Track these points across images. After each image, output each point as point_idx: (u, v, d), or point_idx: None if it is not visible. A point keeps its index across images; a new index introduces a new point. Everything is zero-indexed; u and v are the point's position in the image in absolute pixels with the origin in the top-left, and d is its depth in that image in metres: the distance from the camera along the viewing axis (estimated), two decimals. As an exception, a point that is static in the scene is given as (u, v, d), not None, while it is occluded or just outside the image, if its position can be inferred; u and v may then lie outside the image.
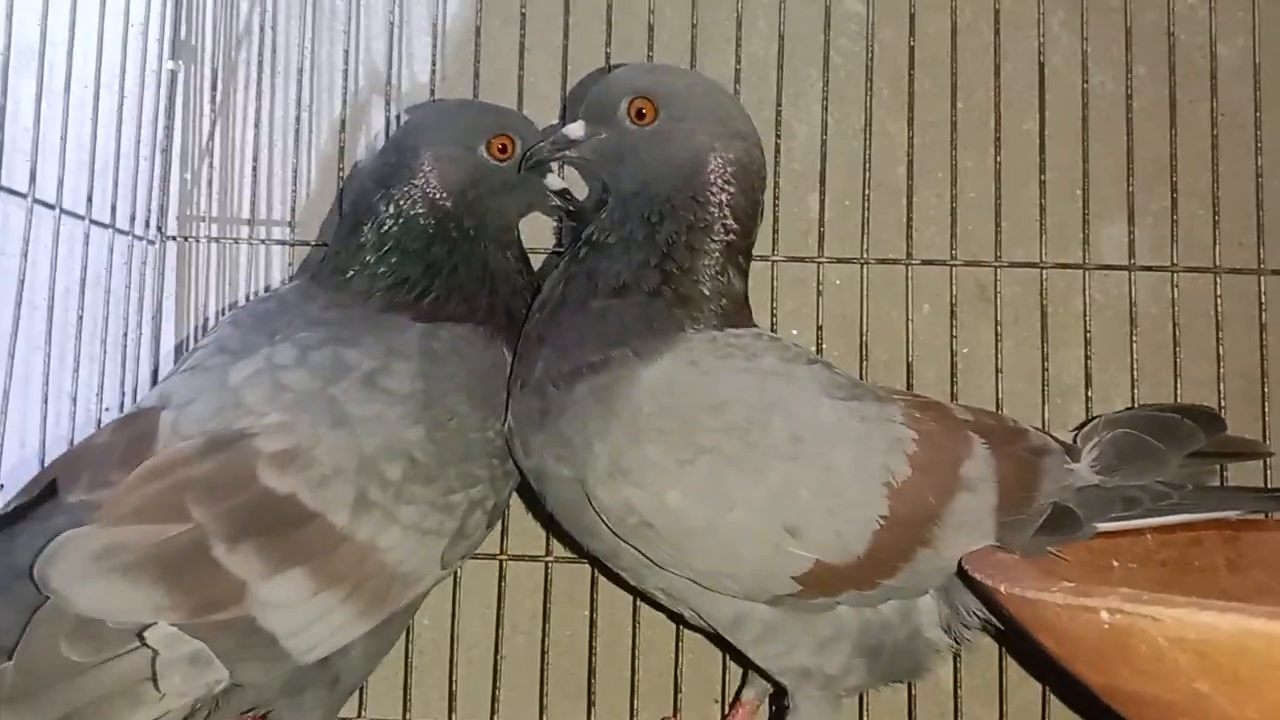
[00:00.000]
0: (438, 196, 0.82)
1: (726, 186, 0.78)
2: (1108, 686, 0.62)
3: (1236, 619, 0.50)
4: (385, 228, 0.81)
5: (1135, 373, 0.97)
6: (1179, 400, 0.96)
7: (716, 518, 0.71)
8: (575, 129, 0.79)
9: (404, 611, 0.77)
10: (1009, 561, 0.73)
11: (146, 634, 0.60)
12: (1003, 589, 0.64)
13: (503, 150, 0.83)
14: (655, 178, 0.78)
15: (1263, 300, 0.97)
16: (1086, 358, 0.97)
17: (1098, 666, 0.60)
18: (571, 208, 0.86)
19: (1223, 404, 0.96)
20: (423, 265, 0.81)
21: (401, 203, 0.81)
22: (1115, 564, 0.84)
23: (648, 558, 0.75)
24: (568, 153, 0.80)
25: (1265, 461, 0.95)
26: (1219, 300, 0.97)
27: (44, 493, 0.69)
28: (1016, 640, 0.84)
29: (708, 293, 0.77)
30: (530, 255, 0.89)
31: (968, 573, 0.71)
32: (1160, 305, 0.99)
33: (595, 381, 0.73)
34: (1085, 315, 0.98)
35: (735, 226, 0.78)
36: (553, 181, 0.83)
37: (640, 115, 0.78)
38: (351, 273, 0.81)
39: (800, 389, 0.75)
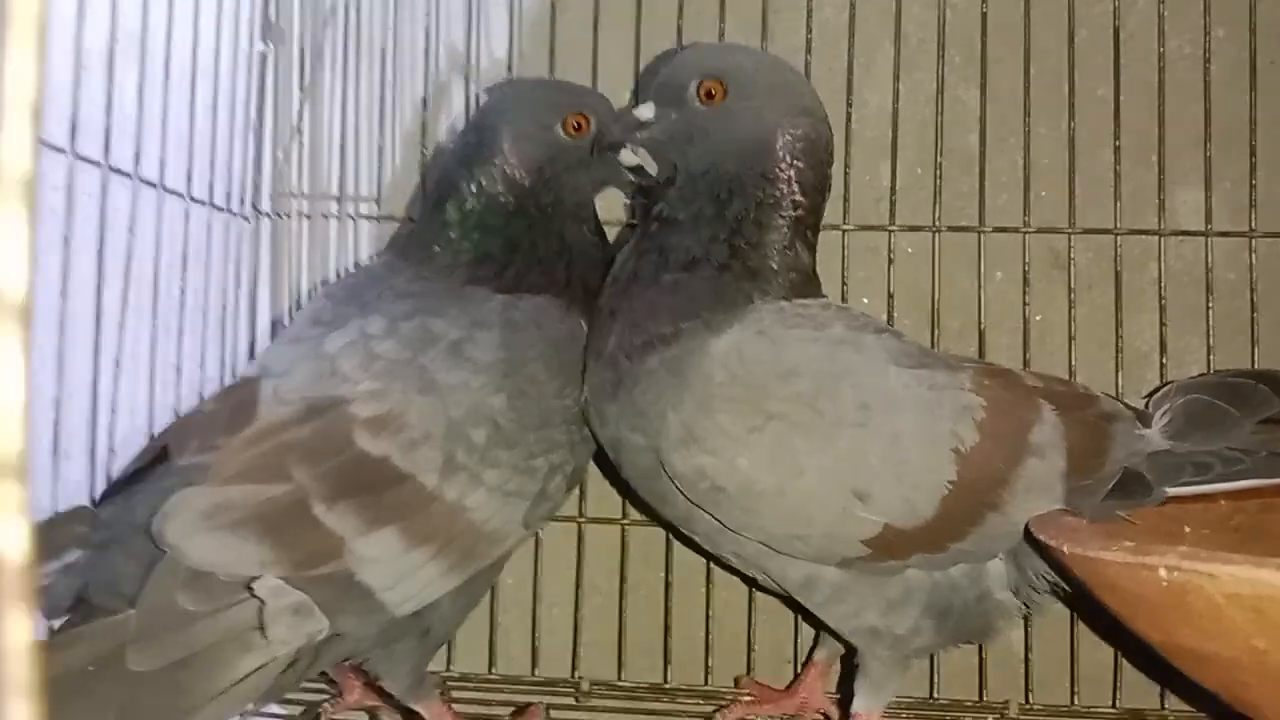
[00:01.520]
0: (516, 175, 0.85)
1: (794, 163, 0.80)
2: (1168, 644, 0.63)
3: (1289, 577, 0.51)
4: (467, 205, 0.84)
5: (1211, 340, 0.97)
6: (1255, 367, 0.95)
7: (786, 482, 0.74)
8: (645, 111, 0.82)
9: (490, 569, 0.81)
10: (1076, 525, 0.74)
11: (254, 585, 0.65)
12: (1065, 549, 0.66)
13: (578, 128, 0.86)
14: (724, 156, 0.79)
15: (1344, 265, 0.96)
16: (1161, 324, 0.97)
17: (1158, 625, 0.62)
18: (645, 183, 0.88)
19: (1301, 370, 0.95)
20: (503, 240, 0.84)
21: (482, 181, 0.85)
22: (1187, 529, 0.84)
23: (720, 522, 0.78)
24: (639, 135, 0.82)
25: (1345, 429, 0.94)
26: (1297, 265, 0.96)
27: (157, 458, 0.74)
28: (1086, 605, 0.85)
29: (775, 266, 0.79)
30: (606, 228, 0.92)
31: (1034, 535, 0.72)
32: (1237, 271, 0.98)
33: (667, 353, 0.76)
34: (1160, 281, 0.98)
35: (803, 201, 0.80)
36: (627, 158, 0.86)
37: (709, 96, 0.80)
38: (436, 248, 0.84)
39: (868, 357, 0.77)
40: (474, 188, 0.85)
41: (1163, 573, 0.57)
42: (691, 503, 0.77)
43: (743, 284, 0.78)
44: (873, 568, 0.77)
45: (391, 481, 0.71)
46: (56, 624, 0.68)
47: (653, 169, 0.87)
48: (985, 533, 0.76)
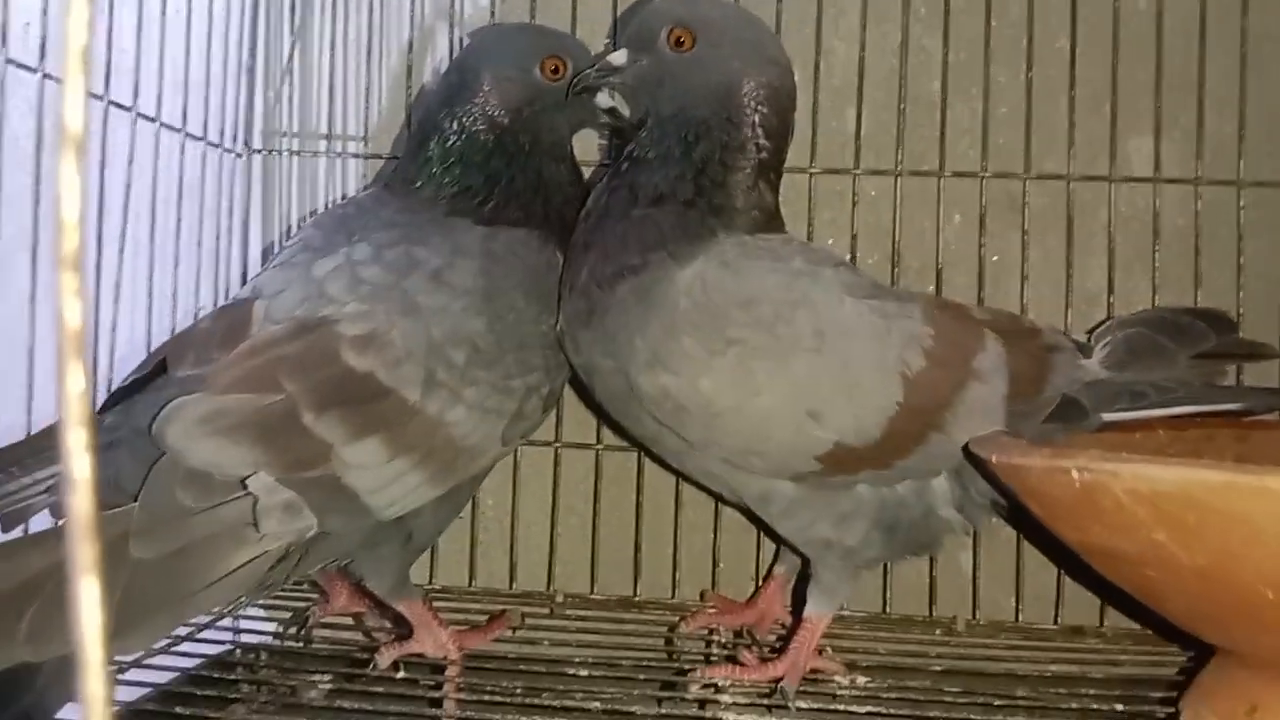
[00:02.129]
0: (496, 114, 0.89)
1: (759, 108, 0.84)
2: (1085, 544, 0.69)
3: (1181, 470, 0.57)
4: (449, 143, 0.89)
5: (1156, 281, 1.02)
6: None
7: (744, 402, 0.79)
8: (619, 57, 0.86)
9: (469, 483, 0.87)
10: (1011, 443, 0.80)
11: (248, 481, 0.70)
12: (994, 458, 0.71)
13: (555, 71, 0.91)
14: (693, 101, 0.84)
15: (1285, 212, 1.01)
16: (1110, 267, 1.02)
17: (1074, 524, 0.68)
18: (618, 124, 0.93)
19: (1241, 313, 1.00)
20: (483, 176, 0.89)
21: (464, 120, 0.89)
22: (1126, 456, 0.90)
23: (684, 440, 0.83)
24: (611, 79, 0.87)
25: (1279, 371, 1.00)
26: (1241, 212, 1.01)
27: (156, 369, 0.79)
28: (1026, 523, 0.91)
29: (740, 204, 0.84)
30: (582, 168, 0.97)
31: (968, 449, 0.78)
32: (1185, 217, 1.03)
33: (635, 282, 0.81)
34: (1110, 226, 1.03)
35: (767, 144, 0.85)
36: (602, 100, 0.90)
37: (679, 43, 0.84)
38: (420, 182, 0.89)
39: (824, 287, 0.82)
40: (456, 126, 0.89)
41: (1074, 474, 0.62)
42: (659, 422, 0.83)
43: (707, 219, 0.83)
44: (825, 482, 0.83)
45: (376, 395, 0.76)
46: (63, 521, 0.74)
47: (625, 111, 0.92)
48: (929, 451, 0.82)
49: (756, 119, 0.85)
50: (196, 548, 0.69)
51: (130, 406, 0.76)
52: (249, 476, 0.70)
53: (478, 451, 0.82)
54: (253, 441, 0.71)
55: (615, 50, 0.87)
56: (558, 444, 1.06)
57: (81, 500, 0.25)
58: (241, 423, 0.72)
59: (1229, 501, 0.56)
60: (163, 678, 0.85)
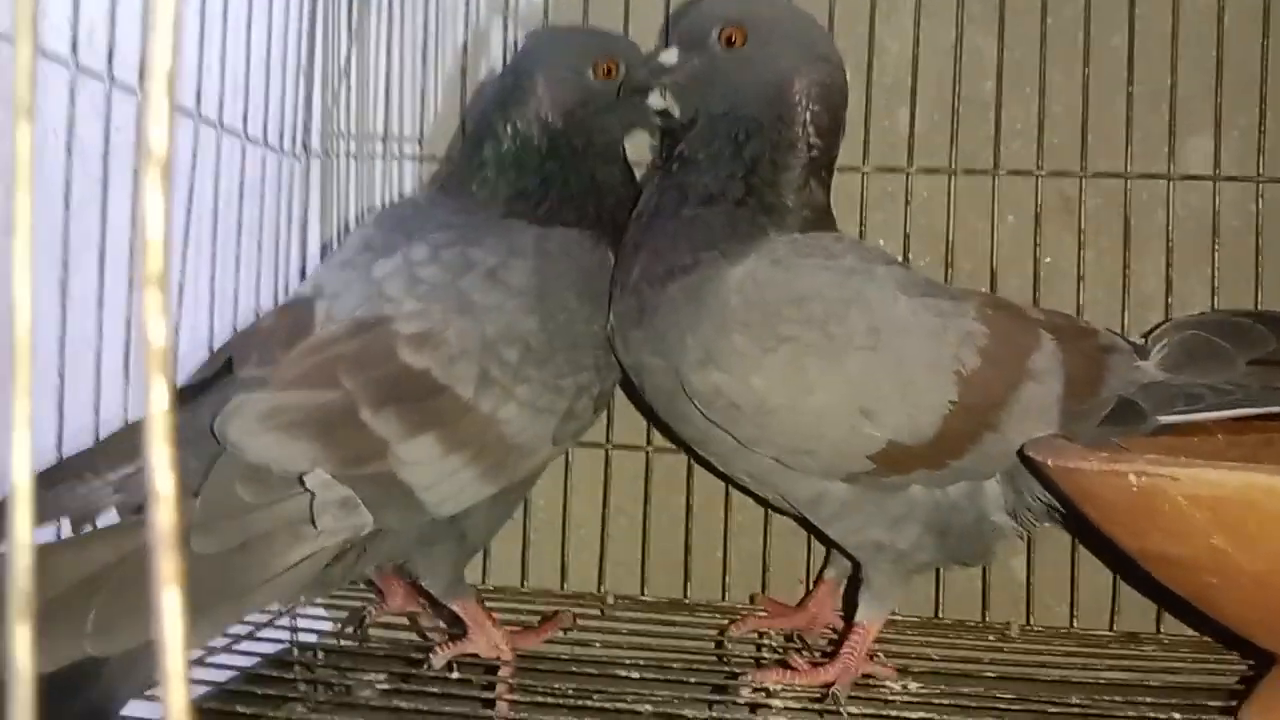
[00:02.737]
0: (549, 117, 0.90)
1: (811, 106, 0.84)
2: (1142, 549, 0.68)
3: (1242, 475, 0.56)
4: (504, 146, 0.90)
5: (1215, 283, 1.01)
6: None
7: (797, 400, 0.79)
8: (670, 56, 0.86)
9: (521, 483, 0.88)
10: (1066, 446, 0.79)
11: (306, 478, 0.71)
12: (1050, 461, 0.71)
13: (608, 73, 0.91)
14: (744, 99, 0.84)
15: (1349, 210, 0.99)
16: (1168, 267, 1.01)
17: (1132, 530, 0.67)
18: (670, 125, 0.93)
19: (1304, 314, 0.98)
20: (538, 178, 0.90)
21: (518, 123, 0.90)
22: (1183, 460, 0.89)
23: (735, 439, 0.83)
24: (664, 78, 0.87)
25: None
26: (1302, 210, 1.00)
27: (222, 369, 0.81)
28: (1081, 528, 0.90)
29: (791, 203, 0.84)
30: (634, 168, 0.97)
31: (1023, 452, 0.77)
32: (1243, 217, 1.02)
33: (686, 281, 0.81)
34: (1168, 225, 1.01)
35: (819, 142, 0.85)
36: (654, 101, 0.90)
37: (730, 42, 0.84)
38: (475, 185, 0.90)
39: (877, 285, 0.82)
40: (510, 129, 0.90)
41: (1131, 478, 0.62)
42: (710, 421, 0.83)
43: (758, 218, 0.83)
44: (877, 483, 0.82)
45: (431, 392, 0.77)
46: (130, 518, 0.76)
47: (677, 112, 0.92)
48: (983, 451, 0.81)
49: (808, 117, 0.84)
50: (255, 543, 0.70)
51: (196, 405, 0.78)
52: (306, 473, 0.71)
53: (529, 450, 0.83)
54: (311, 437, 0.73)
55: (665, 50, 0.87)
56: (608, 445, 1.07)
57: (165, 514, 0.26)
58: (301, 419, 0.73)
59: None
60: (222, 676, 0.86)
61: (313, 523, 0.71)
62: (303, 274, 1.08)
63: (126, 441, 0.77)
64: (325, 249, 1.11)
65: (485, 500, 0.82)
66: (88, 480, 0.75)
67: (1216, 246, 1.01)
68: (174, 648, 0.26)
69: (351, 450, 0.74)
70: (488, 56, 1.12)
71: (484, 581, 1.07)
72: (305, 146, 1.12)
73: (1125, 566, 0.95)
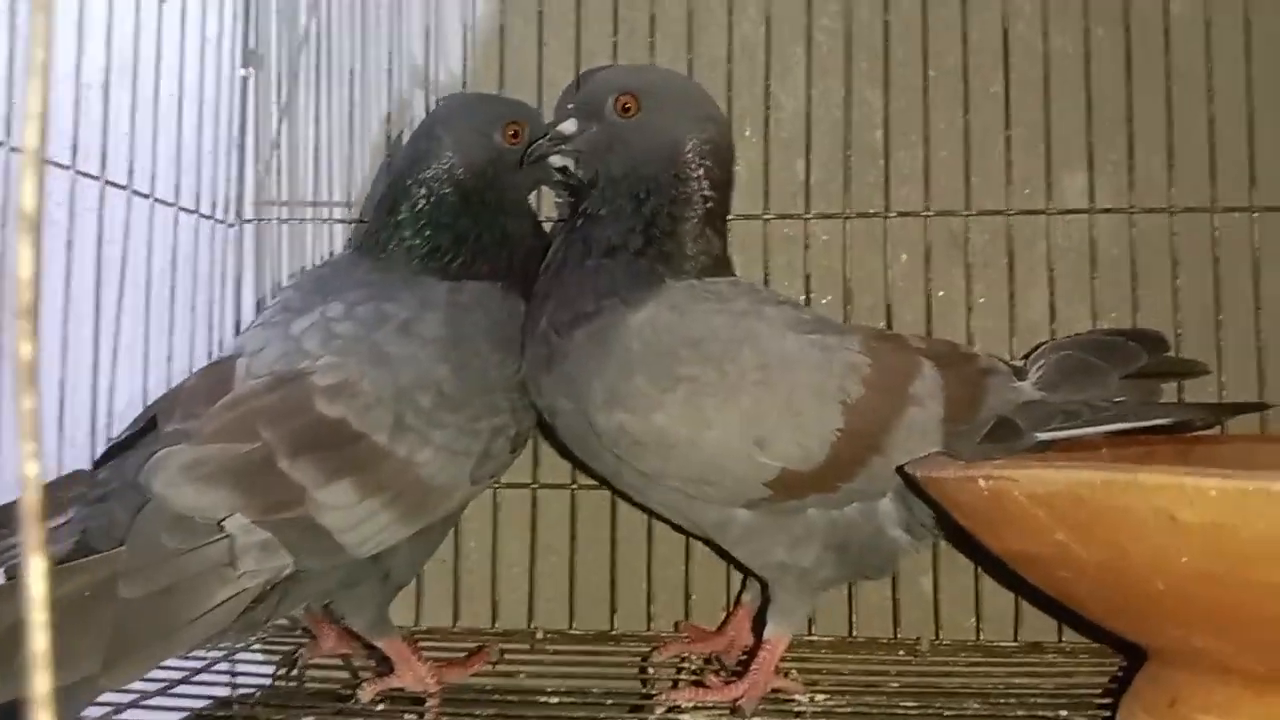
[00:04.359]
0: (462, 175, 0.96)
1: (703, 163, 0.91)
2: (1004, 550, 0.74)
3: (1069, 472, 0.62)
4: (419, 205, 0.96)
5: (1095, 309, 1.07)
6: (1131, 329, 1.05)
7: (696, 434, 0.84)
8: (568, 126, 0.92)
9: (442, 522, 0.92)
10: (934, 460, 0.84)
11: (225, 523, 0.76)
12: (919, 474, 0.76)
13: (515, 135, 0.98)
14: (641, 162, 0.90)
15: (1215, 235, 1.06)
16: (1051, 295, 1.08)
17: (992, 532, 0.72)
18: (573, 183, 0.99)
19: (1179, 334, 1.05)
20: (452, 235, 0.95)
21: (432, 183, 0.96)
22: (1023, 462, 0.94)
23: (643, 473, 0.88)
24: (563, 147, 0.93)
25: (1218, 389, 1.04)
26: (1174, 238, 1.07)
27: (146, 425, 0.86)
28: (975, 547, 0.95)
29: (688, 251, 0.90)
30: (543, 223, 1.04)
31: (901, 469, 0.83)
32: (1120, 246, 1.08)
33: (591, 327, 0.86)
34: (1049, 257, 1.08)
35: (713, 195, 0.91)
36: (555, 161, 0.97)
37: (625, 110, 0.91)
38: (392, 244, 0.96)
39: (767, 324, 0.88)
40: (424, 190, 0.96)
41: (982, 483, 0.67)
42: (618, 458, 0.88)
43: (657, 266, 0.89)
44: (776, 508, 0.87)
45: (347, 439, 0.82)
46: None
47: (578, 172, 0.99)
48: (871, 473, 0.86)
49: (701, 172, 0.91)
50: (180, 586, 0.74)
51: (122, 461, 0.83)
52: (226, 519, 0.76)
53: (446, 490, 0.88)
54: (231, 486, 0.77)
55: (566, 119, 0.93)
56: (535, 485, 1.12)
57: (31, 495, 0.31)
58: (221, 469, 0.78)
59: (1110, 497, 0.60)
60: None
61: (234, 565, 0.76)
62: (237, 334, 1.13)
63: (55, 494, 0.81)
64: (259, 309, 1.16)
65: (406, 540, 0.87)
66: (17, 532, 0.79)
67: (1095, 275, 1.07)
68: (39, 614, 0.30)
69: (271, 497, 0.78)
70: (410, 124, 1.18)
71: (417, 623, 1.11)
72: (239, 214, 1.18)
73: (1026, 583, 1.00)
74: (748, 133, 1.13)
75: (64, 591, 0.71)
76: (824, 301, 1.11)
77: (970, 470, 0.69)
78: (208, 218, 1.13)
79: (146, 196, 1.01)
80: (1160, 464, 0.95)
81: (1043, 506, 0.64)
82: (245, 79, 1.19)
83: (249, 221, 1.19)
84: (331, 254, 1.18)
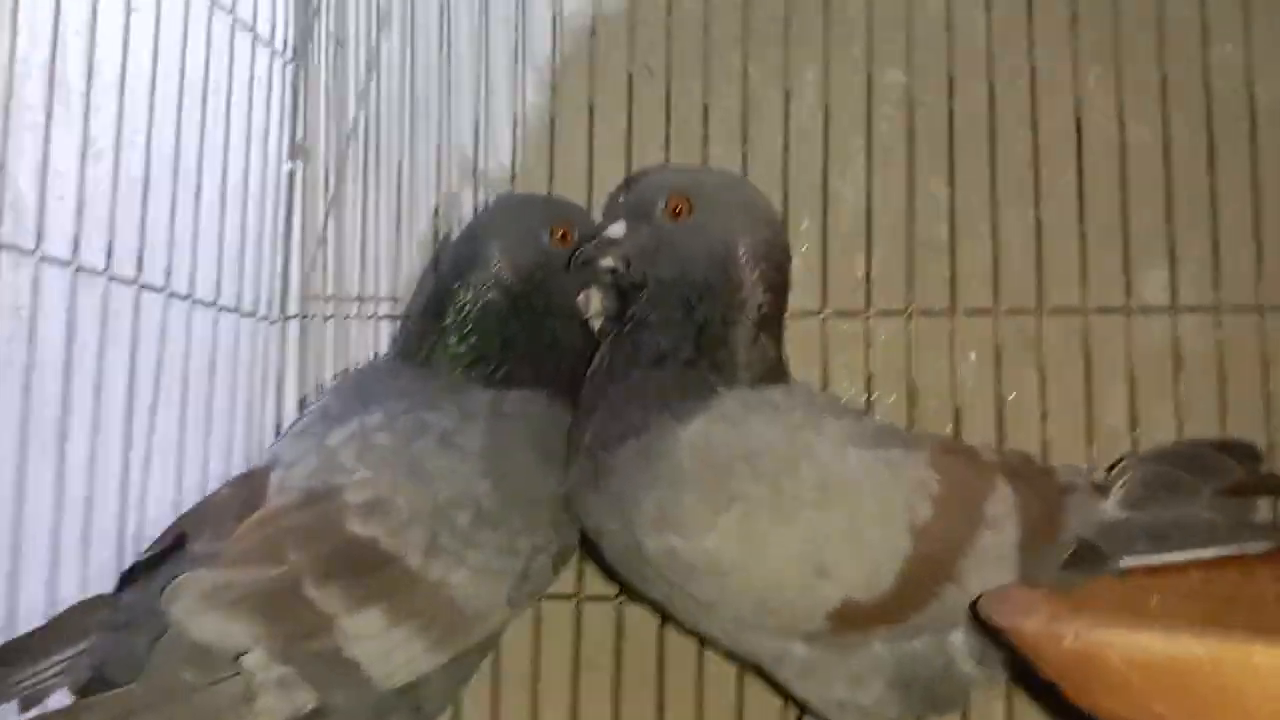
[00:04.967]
0: (508, 280, 0.93)
1: (758, 266, 0.86)
2: (1094, 709, 0.66)
3: (1169, 639, 0.55)
4: (465, 311, 0.92)
5: (1180, 414, 1.00)
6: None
7: (750, 559, 0.78)
8: (617, 229, 0.88)
9: (479, 646, 0.87)
10: (1024, 596, 0.78)
11: (242, 659, 0.71)
12: (993, 620, 0.69)
13: (563, 238, 0.95)
14: (693, 266, 0.86)
15: (1310, 337, 0.99)
16: (1131, 400, 1.01)
17: (1081, 690, 0.65)
18: (622, 284, 0.95)
19: (1272, 444, 0.97)
20: (498, 341, 0.92)
21: (478, 288, 0.92)
22: (1155, 599, 0.87)
23: (696, 600, 0.82)
24: (612, 251, 0.89)
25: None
26: (1264, 339, 0.99)
27: (174, 543, 0.82)
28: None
29: (741, 359, 0.85)
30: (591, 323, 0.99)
31: (974, 612, 0.76)
32: (1205, 346, 1.01)
33: (638, 443, 0.81)
34: (1128, 359, 1.01)
35: (767, 298, 0.86)
36: (604, 263, 0.93)
37: (676, 213, 0.87)
38: (436, 352, 0.92)
39: (826, 438, 0.82)
40: (470, 295, 0.92)
41: (1069, 640, 0.60)
42: (670, 583, 0.83)
43: (708, 376, 0.84)
44: (837, 641, 0.81)
45: (379, 562, 0.77)
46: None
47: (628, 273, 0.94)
48: (944, 603, 0.80)
49: (756, 276, 0.86)
50: (197, 725, 0.70)
51: (148, 584, 0.79)
52: (243, 654, 0.71)
53: (482, 614, 0.82)
54: (253, 615, 0.73)
55: (615, 221, 0.89)
56: (579, 597, 1.06)
57: None
58: (244, 595, 0.73)
59: (1219, 676, 0.53)
60: None
61: (251, 704, 0.71)
62: (277, 434, 1.10)
63: (76, 620, 0.78)
64: (301, 408, 1.13)
65: (439, 668, 0.82)
66: (38, 660, 0.75)
67: (1179, 378, 1.00)
68: None
69: (294, 626, 0.74)
70: (459, 219, 1.15)
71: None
72: (283, 310, 1.15)
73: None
74: (805, 225, 1.08)
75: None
76: (887, 403, 1.05)
77: (1056, 625, 0.62)
78: (250, 315, 1.10)
79: (186, 298, 0.98)
80: (1259, 585, 0.89)
81: (1140, 673, 0.57)
82: (292, 172, 1.17)
83: (293, 318, 1.16)
84: (377, 352, 1.14)
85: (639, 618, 1.05)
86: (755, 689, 1.03)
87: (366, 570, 0.77)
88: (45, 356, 0.81)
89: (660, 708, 1.03)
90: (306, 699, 0.73)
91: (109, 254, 0.87)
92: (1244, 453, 0.88)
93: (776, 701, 1.02)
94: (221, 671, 0.71)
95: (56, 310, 0.83)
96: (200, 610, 0.72)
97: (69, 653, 0.76)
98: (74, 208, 0.84)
